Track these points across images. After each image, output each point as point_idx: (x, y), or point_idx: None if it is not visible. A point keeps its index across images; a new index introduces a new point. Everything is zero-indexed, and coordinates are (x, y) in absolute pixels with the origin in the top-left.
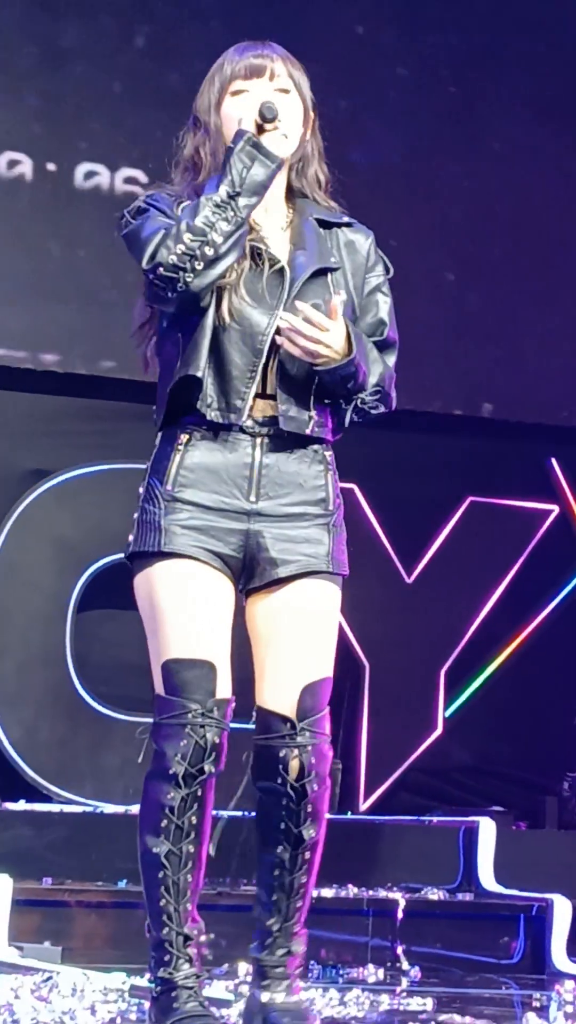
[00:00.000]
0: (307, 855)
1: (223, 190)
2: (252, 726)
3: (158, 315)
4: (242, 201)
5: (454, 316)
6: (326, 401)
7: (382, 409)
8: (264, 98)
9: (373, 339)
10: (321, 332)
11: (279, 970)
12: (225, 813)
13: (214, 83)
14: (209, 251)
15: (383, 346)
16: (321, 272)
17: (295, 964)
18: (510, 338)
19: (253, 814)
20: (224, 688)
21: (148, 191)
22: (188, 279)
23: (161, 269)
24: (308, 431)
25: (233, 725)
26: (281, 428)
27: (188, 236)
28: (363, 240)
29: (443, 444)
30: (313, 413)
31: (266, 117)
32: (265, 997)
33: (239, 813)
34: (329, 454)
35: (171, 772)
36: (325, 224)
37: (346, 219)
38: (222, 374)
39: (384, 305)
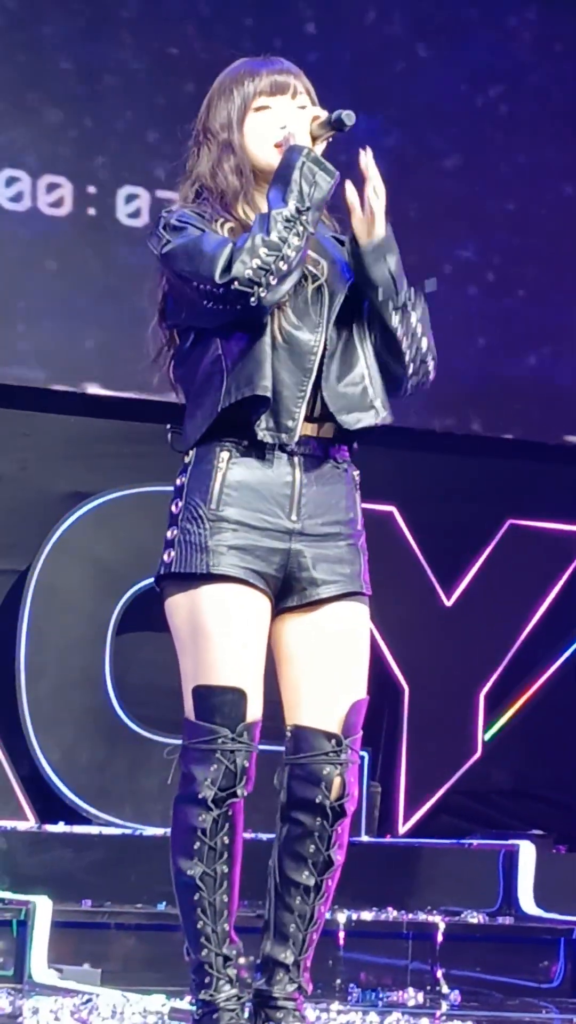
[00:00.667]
0: (330, 882)
1: (292, 205)
2: (281, 748)
3: (179, 334)
4: (310, 216)
5: (496, 339)
6: (375, 298)
7: (427, 345)
8: (289, 114)
9: None
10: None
11: (290, 1003)
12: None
13: (232, 99)
14: (283, 266)
15: None
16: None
17: (302, 1003)
18: (551, 361)
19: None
20: (254, 711)
21: (167, 209)
22: (262, 294)
23: (236, 284)
24: (364, 425)
25: (262, 747)
26: (346, 428)
27: (264, 251)
28: None
29: (482, 467)
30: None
31: (345, 124)
32: None
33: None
34: (356, 474)
35: (201, 796)
36: (338, 241)
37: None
38: (272, 394)
39: None
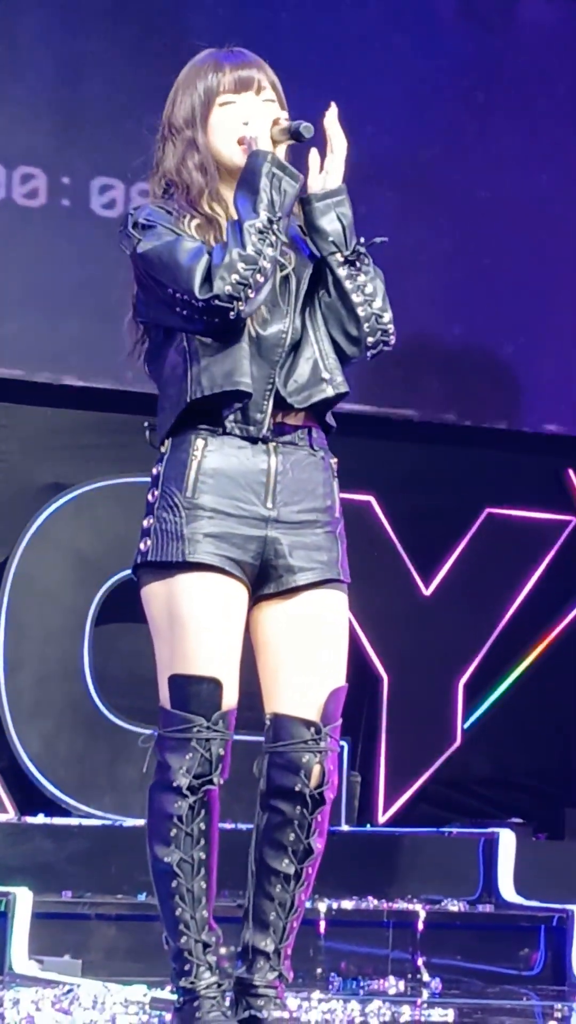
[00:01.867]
0: (309, 870)
1: (264, 216)
2: (261, 737)
3: (150, 329)
4: (281, 224)
5: (474, 328)
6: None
7: (381, 305)
8: (253, 111)
9: None
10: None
11: (271, 991)
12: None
13: (196, 95)
14: (260, 278)
15: None
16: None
17: (283, 991)
18: (529, 350)
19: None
20: (230, 700)
21: (134, 207)
22: (241, 307)
23: (217, 300)
24: (332, 393)
25: (242, 737)
26: (298, 407)
27: (241, 266)
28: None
29: (460, 456)
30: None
31: (303, 136)
32: (264, 1014)
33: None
34: (334, 461)
35: (176, 784)
36: (301, 228)
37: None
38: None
39: None
